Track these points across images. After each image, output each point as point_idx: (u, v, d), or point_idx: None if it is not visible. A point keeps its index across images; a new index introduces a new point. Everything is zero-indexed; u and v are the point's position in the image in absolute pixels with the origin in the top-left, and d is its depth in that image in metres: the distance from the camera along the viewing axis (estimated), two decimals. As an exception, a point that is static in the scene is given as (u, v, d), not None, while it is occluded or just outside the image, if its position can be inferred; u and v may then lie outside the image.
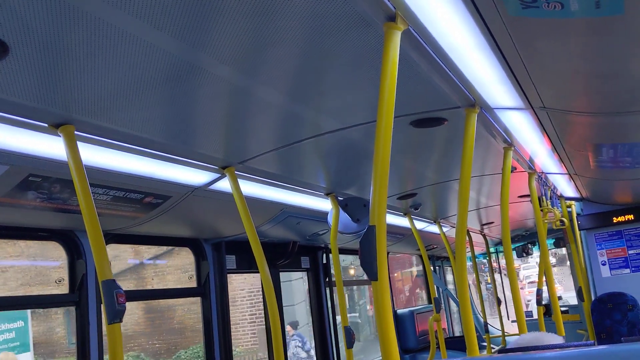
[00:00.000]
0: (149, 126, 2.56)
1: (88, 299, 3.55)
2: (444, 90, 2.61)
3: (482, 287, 12.19)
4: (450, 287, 10.49)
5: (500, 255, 11.41)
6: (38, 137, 2.36)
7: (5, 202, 2.72)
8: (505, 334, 8.92)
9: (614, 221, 6.98)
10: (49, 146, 2.44)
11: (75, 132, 2.36)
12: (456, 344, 7.54)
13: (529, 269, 28.43)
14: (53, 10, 1.59)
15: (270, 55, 2.09)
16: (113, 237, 3.74)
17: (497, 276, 10.36)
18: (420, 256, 8.25)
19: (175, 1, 1.65)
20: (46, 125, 2.29)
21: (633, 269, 6.91)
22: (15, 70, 1.86)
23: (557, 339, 2.84)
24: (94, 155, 2.64)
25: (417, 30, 2.03)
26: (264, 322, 5.76)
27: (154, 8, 1.67)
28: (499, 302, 9.44)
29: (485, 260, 10.69)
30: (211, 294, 4.68)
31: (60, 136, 2.34)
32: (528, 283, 26.30)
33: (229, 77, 2.21)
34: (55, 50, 1.79)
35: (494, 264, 11.03)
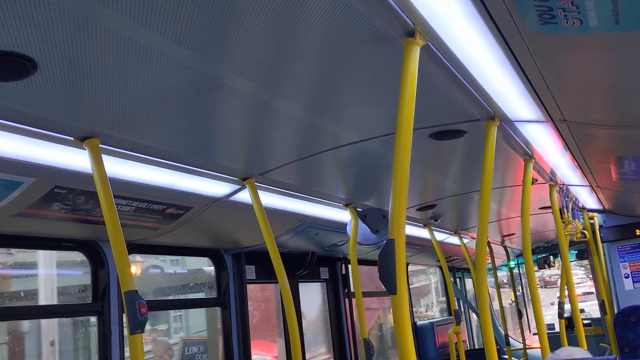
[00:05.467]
0: (171, 139, 2.60)
1: (110, 309, 3.59)
2: (464, 103, 2.61)
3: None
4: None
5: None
6: (64, 150, 2.41)
7: (31, 213, 2.78)
8: (527, 347, 8.81)
9: (637, 233, 6.87)
10: (74, 159, 2.49)
11: (100, 145, 2.41)
12: (476, 356, 7.47)
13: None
14: (79, 28, 1.63)
15: (291, 69, 2.11)
16: (135, 248, 3.79)
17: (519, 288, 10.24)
18: (441, 267, 8.20)
19: (196, 18, 1.68)
20: (72, 138, 2.35)
21: (657, 282, 6.80)
22: (43, 86, 1.91)
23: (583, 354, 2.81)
24: (118, 167, 2.69)
25: (436, 45, 2.04)
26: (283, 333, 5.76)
27: (177, 25, 1.70)
28: (520, 314, 9.34)
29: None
30: (231, 303, 4.71)
31: (85, 149, 2.39)
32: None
33: (250, 91, 2.24)
34: (81, 66, 1.83)
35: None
